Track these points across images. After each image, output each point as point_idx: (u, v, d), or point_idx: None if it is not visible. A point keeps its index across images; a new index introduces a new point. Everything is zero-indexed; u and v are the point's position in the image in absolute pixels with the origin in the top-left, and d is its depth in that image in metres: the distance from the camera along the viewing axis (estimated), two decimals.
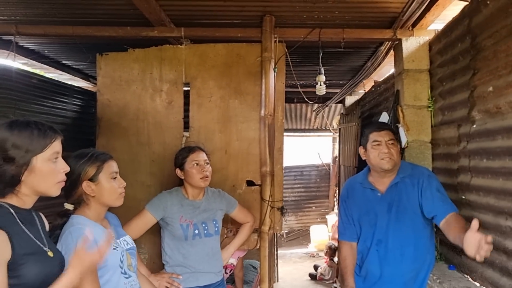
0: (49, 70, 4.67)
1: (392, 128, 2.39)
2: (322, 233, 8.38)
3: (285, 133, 9.35)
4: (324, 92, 3.33)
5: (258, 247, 3.00)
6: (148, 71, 3.11)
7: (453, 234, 1.98)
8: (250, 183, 3.03)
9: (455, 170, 2.53)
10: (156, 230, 2.50)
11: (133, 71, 3.12)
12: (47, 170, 1.39)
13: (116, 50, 3.14)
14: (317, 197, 9.73)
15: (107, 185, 1.79)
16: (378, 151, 2.25)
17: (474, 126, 2.32)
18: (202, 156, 2.45)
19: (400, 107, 3.05)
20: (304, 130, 9.29)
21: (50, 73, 4.87)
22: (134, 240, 2.06)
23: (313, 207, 9.74)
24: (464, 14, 2.42)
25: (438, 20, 2.98)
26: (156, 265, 2.70)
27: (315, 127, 9.08)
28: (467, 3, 2.40)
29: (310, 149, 10.55)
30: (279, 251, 7.16)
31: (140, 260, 2.28)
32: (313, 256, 7.89)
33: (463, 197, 2.43)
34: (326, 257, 6.41)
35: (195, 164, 2.40)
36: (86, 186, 1.75)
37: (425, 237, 2.33)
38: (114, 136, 3.12)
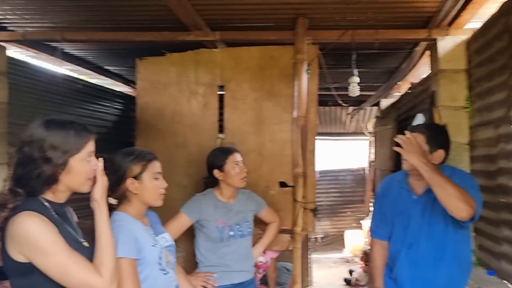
0: (92, 75, 4.89)
1: (427, 130, 2.31)
2: (357, 238, 8.26)
3: (319, 137, 9.31)
4: (358, 93, 3.32)
5: (290, 248, 3.02)
6: (184, 74, 3.21)
7: None
8: (282, 184, 3.05)
9: (494, 172, 2.46)
10: (191, 229, 2.57)
11: (170, 75, 3.23)
12: (81, 170, 1.43)
13: (154, 54, 3.26)
14: (353, 202, 9.61)
15: (150, 185, 1.85)
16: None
17: None
18: (240, 157, 2.52)
19: (436, 108, 2.99)
20: (339, 134, 9.21)
21: (93, 79, 5.10)
22: None
23: (348, 212, 9.63)
24: (501, 12, 2.37)
25: (475, 19, 2.92)
26: (192, 263, 2.76)
27: (350, 131, 8.98)
28: (504, 0, 2.35)
29: (346, 153, 10.44)
30: (313, 255, 7.13)
31: (176, 261, 2.35)
32: (348, 261, 7.79)
33: (503, 200, 2.36)
34: (361, 262, 6.33)
35: (236, 165, 2.46)
36: (130, 183, 1.82)
37: (461, 241, 2.27)
38: (152, 138, 3.23)
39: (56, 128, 1.40)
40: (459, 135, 2.93)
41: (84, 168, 1.44)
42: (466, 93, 2.90)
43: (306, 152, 3.00)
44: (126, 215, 1.85)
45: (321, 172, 9.40)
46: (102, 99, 4.96)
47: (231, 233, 2.46)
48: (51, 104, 3.66)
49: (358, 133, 9.07)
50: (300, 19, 3.00)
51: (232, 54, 3.17)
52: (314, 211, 3.05)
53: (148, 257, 1.81)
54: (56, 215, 1.40)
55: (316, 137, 3.17)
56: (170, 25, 3.10)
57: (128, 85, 5.47)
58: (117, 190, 1.85)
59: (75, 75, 4.78)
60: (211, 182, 2.57)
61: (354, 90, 3.23)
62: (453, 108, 2.94)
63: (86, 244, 1.52)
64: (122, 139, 5.10)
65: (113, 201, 1.86)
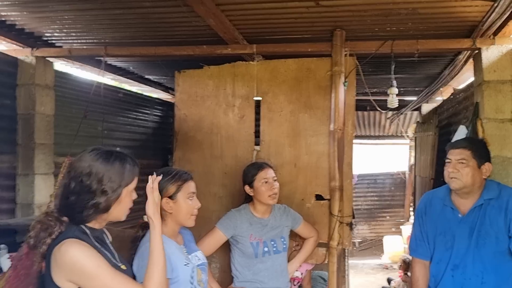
0: (133, 84, 5.04)
1: (471, 144, 2.25)
2: (397, 244, 8.09)
3: (358, 140, 9.10)
4: (397, 105, 3.25)
5: (326, 261, 3.00)
6: (222, 87, 3.25)
7: None
8: (319, 197, 3.04)
9: None
10: (227, 242, 2.61)
11: (208, 87, 3.28)
12: (128, 200, 1.53)
13: (193, 67, 3.33)
14: (391, 206, 9.42)
15: (184, 205, 1.89)
16: (447, 169, 2.19)
17: None
18: (271, 174, 2.52)
19: (480, 121, 2.88)
20: (378, 137, 9.03)
21: (133, 87, 5.25)
22: None
23: (387, 217, 9.45)
24: None
25: None
26: (227, 274, 2.81)
27: (389, 134, 8.79)
28: None
29: (385, 156, 10.23)
30: (350, 261, 7.02)
31: (211, 275, 2.39)
32: (387, 268, 7.65)
33: None
34: (400, 271, 6.18)
35: (265, 182, 2.47)
36: (165, 202, 1.86)
37: (509, 264, 2.19)
38: (190, 149, 3.30)
39: (114, 161, 1.47)
40: (505, 148, 2.82)
41: (130, 199, 1.52)
42: None
43: (343, 165, 2.98)
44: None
45: (359, 176, 9.27)
46: (142, 106, 5.11)
47: (266, 249, 2.47)
48: (93, 113, 3.81)
49: (397, 136, 8.86)
50: (338, 31, 2.97)
51: (269, 66, 3.18)
52: (351, 224, 3.02)
53: (180, 276, 1.85)
54: (96, 242, 1.47)
55: (354, 141, 3.14)
56: (208, 38, 3.16)
57: (167, 92, 5.60)
58: None
59: (116, 84, 4.95)
60: (249, 196, 2.59)
61: (393, 101, 3.17)
62: (499, 120, 2.82)
63: (123, 267, 1.59)
64: (161, 145, 5.26)
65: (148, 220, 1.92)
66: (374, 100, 3.97)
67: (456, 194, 2.27)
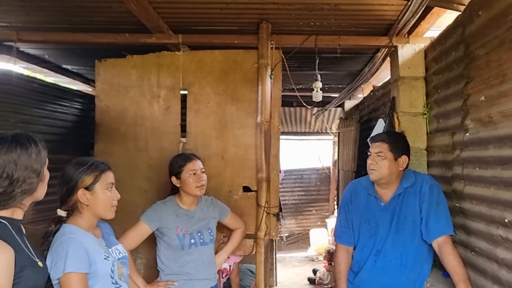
0: (49, 74, 4.70)
1: (389, 138, 2.40)
2: (322, 237, 8.38)
3: (284, 137, 9.27)
4: (321, 99, 3.36)
5: (254, 253, 3.02)
6: (146, 77, 3.14)
7: (445, 266, 2.19)
8: (246, 189, 3.05)
9: (449, 177, 2.54)
10: (152, 235, 2.52)
11: (131, 77, 3.15)
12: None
13: (115, 56, 3.18)
14: (317, 201, 9.75)
15: (102, 196, 1.80)
16: (368, 162, 2.34)
17: (467, 134, 2.33)
18: (199, 165, 2.47)
19: (396, 114, 3.06)
20: (304, 134, 9.31)
21: (50, 77, 4.90)
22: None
23: (313, 211, 9.76)
24: (457, 23, 2.44)
25: (434, 28, 3.00)
26: (153, 270, 2.71)
27: (315, 131, 9.10)
28: (460, 12, 2.42)
29: (311, 152, 10.57)
30: (278, 255, 7.18)
31: (136, 270, 2.30)
32: (313, 260, 7.89)
33: (457, 204, 2.44)
34: (325, 261, 6.42)
35: (193, 174, 2.42)
36: (81, 194, 1.76)
37: (425, 246, 2.36)
38: (113, 141, 3.15)
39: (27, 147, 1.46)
40: (418, 140, 3.01)
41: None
42: (424, 100, 2.98)
43: (270, 157, 3.01)
44: (77, 228, 1.78)
45: (286, 171, 9.47)
46: (60, 98, 4.77)
47: (192, 241, 2.42)
48: (4, 104, 3.49)
49: (322, 133, 9.20)
50: (264, 24, 3.00)
51: (195, 57, 3.13)
52: (278, 215, 3.06)
53: (99, 270, 1.76)
54: (16, 235, 1.39)
55: (280, 137, 3.20)
56: (131, 26, 3.02)
57: (88, 84, 5.30)
58: (67, 202, 1.80)
59: (30, 73, 4.59)
60: (175, 188, 2.53)
61: (318, 95, 3.26)
62: (412, 114, 3.01)
63: (40, 264, 1.49)
64: (82, 139, 4.96)
65: (62, 213, 1.79)
66: (300, 96, 4.07)
67: (377, 185, 2.40)
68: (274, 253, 6.01)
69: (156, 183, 3.07)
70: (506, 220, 1.92)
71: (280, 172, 3.25)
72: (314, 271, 6.43)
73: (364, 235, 2.44)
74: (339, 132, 6.24)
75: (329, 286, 5.94)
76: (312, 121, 8.35)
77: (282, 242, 9.32)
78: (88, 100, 5.27)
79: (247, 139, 3.05)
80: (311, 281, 6.28)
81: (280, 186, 8.00)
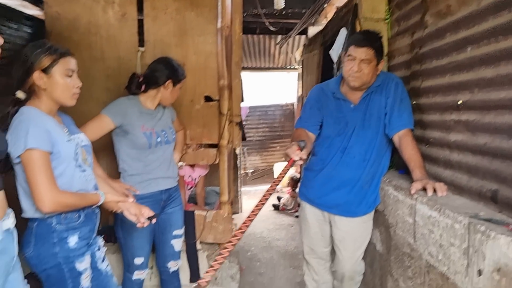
0: None
1: (374, 43, 2.34)
2: None
3: (247, 71, 9.08)
4: (283, 5, 3.28)
5: (217, 161, 3.04)
6: None
7: (403, 156, 2.27)
8: (208, 99, 3.01)
9: (408, 76, 2.59)
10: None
11: None
12: None
13: None
14: (282, 137, 9.86)
15: (61, 81, 1.73)
16: (349, 66, 2.29)
17: (426, 29, 2.35)
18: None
19: (358, 20, 3.04)
20: (268, 69, 9.21)
21: None
22: None
23: (278, 147, 9.89)
24: None
25: None
26: (111, 175, 2.67)
27: (279, 66, 9.01)
28: None
29: (275, 88, 10.54)
30: (243, 188, 7.31)
31: (97, 163, 2.25)
32: (277, 192, 8.09)
33: (414, 102, 2.50)
34: (288, 188, 6.61)
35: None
36: (37, 76, 1.70)
37: (385, 141, 2.44)
38: None
39: None
40: None
41: None
42: (386, 4, 2.96)
43: (231, 64, 2.96)
44: (36, 110, 1.73)
45: (250, 108, 9.47)
46: (7, 20, 4.45)
47: (159, 139, 2.41)
48: None
49: (287, 68, 9.13)
50: None
51: None
52: (240, 124, 3.06)
53: (62, 152, 1.73)
54: None
55: (243, 72, 3.13)
56: None
57: (38, 7, 4.95)
58: (24, 84, 1.73)
59: None
60: (135, 89, 2.45)
61: (279, 2, 3.18)
62: (374, 19, 2.99)
63: None
64: None
65: (21, 94, 1.73)
66: (263, 16, 3.96)
67: (348, 88, 2.40)
68: (238, 182, 6.11)
69: (115, 93, 2.95)
70: (458, 103, 1.99)
71: (243, 109, 3.23)
72: (279, 198, 6.62)
73: (332, 133, 2.48)
74: (302, 60, 6.20)
75: (293, 211, 6.16)
76: (276, 53, 8.22)
77: (247, 178, 9.48)
78: (39, 23, 4.95)
79: (208, 47, 2.96)
80: (276, 207, 6.48)
81: (244, 122, 7.98)
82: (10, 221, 1.52)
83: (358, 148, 2.44)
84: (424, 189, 2.00)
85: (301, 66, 6.67)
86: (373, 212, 2.58)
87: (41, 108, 1.74)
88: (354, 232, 2.54)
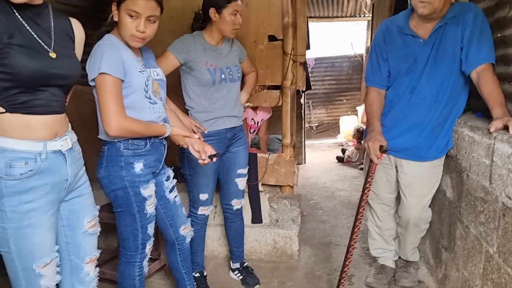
0: None
1: None
2: (352, 124, 8.32)
3: (314, 21, 8.75)
4: None
5: (280, 103, 2.99)
6: None
7: (482, 93, 2.05)
8: (272, 38, 2.93)
9: (492, 6, 2.32)
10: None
11: None
12: None
13: None
14: (349, 90, 9.53)
15: (124, 19, 1.75)
16: None
17: None
18: (240, 7, 2.35)
19: None
20: (335, 18, 8.78)
21: None
22: None
23: (344, 100, 9.61)
24: None
25: None
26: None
27: (348, 14, 8.56)
28: None
29: (343, 39, 10.11)
30: (307, 141, 7.24)
31: (169, 99, 2.28)
32: (342, 145, 7.94)
33: (498, 35, 2.25)
34: (354, 140, 6.45)
35: (234, 14, 2.32)
36: (114, 8, 1.77)
37: (461, 82, 2.25)
38: None
39: None
40: None
41: None
42: None
43: (296, 1, 2.83)
44: (117, 39, 1.81)
45: (316, 59, 9.21)
46: None
47: (223, 76, 2.40)
48: None
49: (356, 16, 8.66)
50: None
51: None
52: (304, 65, 2.97)
53: (134, 81, 1.79)
54: (19, 16, 1.39)
55: (309, 22, 2.99)
56: None
57: None
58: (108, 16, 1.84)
59: None
60: (202, 22, 2.43)
61: None
62: None
63: (53, 54, 1.47)
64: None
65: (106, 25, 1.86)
66: None
67: (420, 19, 2.22)
68: (302, 134, 6.04)
69: (179, 35, 2.96)
70: None
71: (309, 60, 3.10)
72: (343, 151, 6.50)
73: (400, 72, 2.33)
74: (373, 4, 5.84)
75: (358, 163, 6.02)
76: (345, 1, 7.79)
77: (312, 131, 9.38)
78: None
79: None
80: (340, 159, 6.37)
81: (310, 74, 7.75)
82: (59, 143, 1.53)
83: (429, 88, 2.26)
84: (505, 128, 1.83)
85: (371, 12, 6.28)
86: (443, 157, 2.42)
87: (121, 38, 1.81)
88: (422, 178, 2.41)
